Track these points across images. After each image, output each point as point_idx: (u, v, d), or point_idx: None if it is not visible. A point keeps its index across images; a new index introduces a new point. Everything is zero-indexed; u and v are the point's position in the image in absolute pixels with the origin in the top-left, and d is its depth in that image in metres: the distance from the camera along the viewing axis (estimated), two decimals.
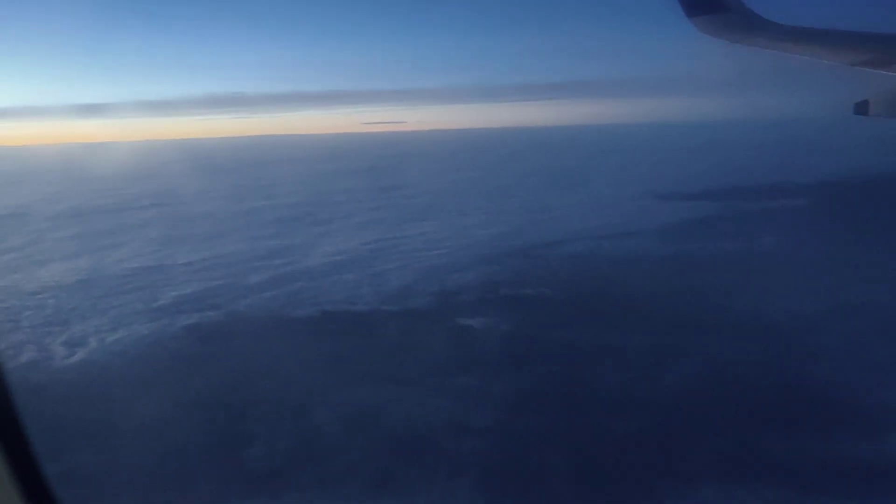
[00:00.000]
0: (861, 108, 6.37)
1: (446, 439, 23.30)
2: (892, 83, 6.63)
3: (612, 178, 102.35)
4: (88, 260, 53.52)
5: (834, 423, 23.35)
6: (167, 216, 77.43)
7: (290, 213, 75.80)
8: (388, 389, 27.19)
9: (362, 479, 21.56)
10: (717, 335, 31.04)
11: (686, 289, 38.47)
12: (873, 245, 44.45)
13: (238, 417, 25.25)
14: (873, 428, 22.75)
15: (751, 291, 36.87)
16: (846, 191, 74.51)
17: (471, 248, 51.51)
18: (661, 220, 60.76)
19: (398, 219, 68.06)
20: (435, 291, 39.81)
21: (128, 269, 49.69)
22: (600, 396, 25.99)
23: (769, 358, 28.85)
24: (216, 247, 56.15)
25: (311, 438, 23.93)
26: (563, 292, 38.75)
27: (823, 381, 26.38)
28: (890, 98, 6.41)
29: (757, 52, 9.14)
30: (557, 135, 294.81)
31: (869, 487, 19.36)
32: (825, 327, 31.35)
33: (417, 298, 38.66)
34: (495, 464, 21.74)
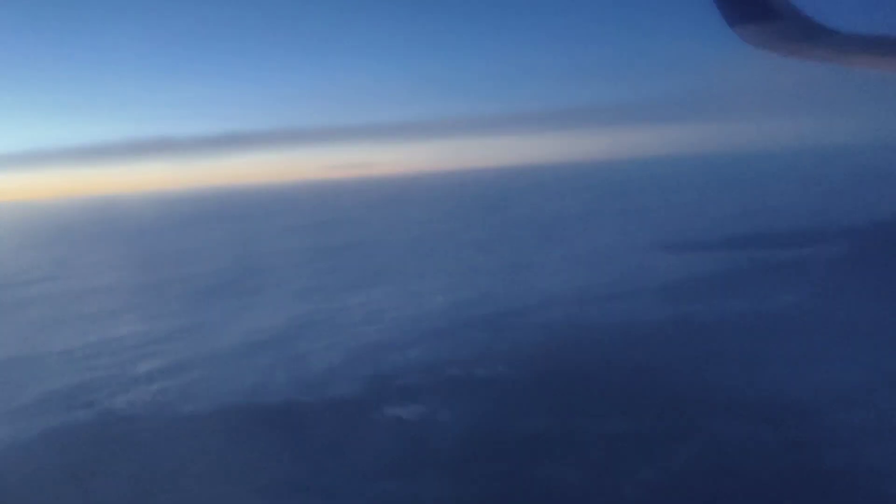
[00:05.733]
0: None
1: None
2: None
3: (616, 225, 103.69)
4: None
5: None
6: (55, 293, 77.49)
7: (209, 283, 76.04)
8: (297, 500, 27.30)
9: None
10: (716, 420, 31.13)
11: (679, 363, 38.65)
12: None
13: None
14: None
15: (758, 366, 37.11)
16: None
17: (421, 320, 51.94)
18: (662, 277, 61.25)
19: (342, 285, 68.46)
20: (364, 376, 39.81)
21: None
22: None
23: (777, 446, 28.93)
24: (106, 329, 56.17)
25: None
26: (523, 372, 38.81)
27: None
28: None
29: (816, 66, 9.27)
30: (565, 173, 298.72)
31: None
32: (851, 405, 31.64)
33: (340, 385, 38.63)
34: None
